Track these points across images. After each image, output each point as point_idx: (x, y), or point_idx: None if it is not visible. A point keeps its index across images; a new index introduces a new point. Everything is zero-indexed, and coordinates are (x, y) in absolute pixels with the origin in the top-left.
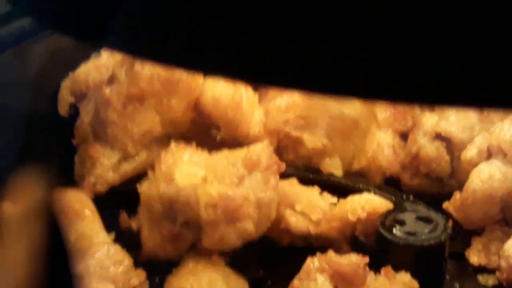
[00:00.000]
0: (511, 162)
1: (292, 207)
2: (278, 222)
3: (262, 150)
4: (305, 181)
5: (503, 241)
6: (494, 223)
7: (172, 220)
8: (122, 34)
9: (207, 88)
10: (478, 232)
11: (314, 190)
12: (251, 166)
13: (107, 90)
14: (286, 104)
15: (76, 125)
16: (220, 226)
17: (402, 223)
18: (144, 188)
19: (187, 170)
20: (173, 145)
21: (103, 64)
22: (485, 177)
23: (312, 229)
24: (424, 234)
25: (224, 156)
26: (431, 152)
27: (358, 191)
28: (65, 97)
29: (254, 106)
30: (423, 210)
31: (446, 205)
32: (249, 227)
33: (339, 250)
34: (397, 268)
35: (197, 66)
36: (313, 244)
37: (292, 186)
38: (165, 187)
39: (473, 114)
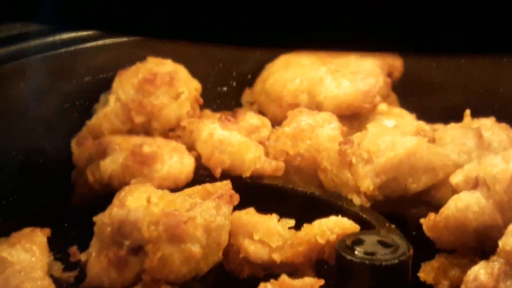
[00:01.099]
0: (493, 196)
1: (251, 236)
2: (237, 252)
3: (222, 184)
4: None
5: (464, 268)
6: (467, 249)
7: (120, 244)
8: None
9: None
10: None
11: (272, 218)
12: (205, 196)
13: None
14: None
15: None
16: (162, 246)
17: (361, 244)
18: (99, 217)
19: (140, 196)
20: (132, 181)
21: (110, 111)
22: (461, 206)
23: (276, 257)
24: (382, 255)
25: (183, 192)
26: None
27: (340, 210)
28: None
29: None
30: (387, 235)
31: (422, 220)
32: (195, 250)
33: (302, 276)
34: None
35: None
36: (275, 273)
37: (249, 215)
38: (116, 210)
39: (471, 140)
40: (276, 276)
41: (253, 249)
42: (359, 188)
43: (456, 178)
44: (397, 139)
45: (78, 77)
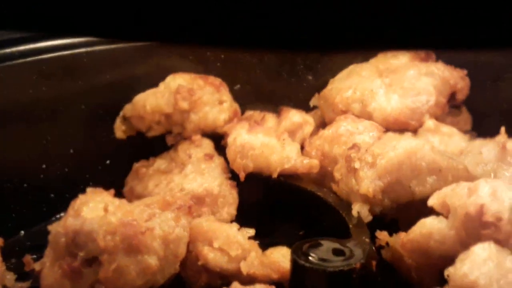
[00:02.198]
0: (456, 227)
1: (210, 243)
2: (195, 259)
3: (182, 195)
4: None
5: None
6: (431, 279)
7: (74, 255)
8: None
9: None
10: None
11: (232, 226)
12: (164, 207)
13: None
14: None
15: None
16: (118, 256)
17: (316, 250)
18: (53, 226)
19: (96, 206)
20: (88, 190)
21: (159, 91)
22: (425, 232)
23: (244, 269)
24: (334, 262)
25: (142, 202)
26: None
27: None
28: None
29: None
30: (344, 244)
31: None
32: (152, 262)
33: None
34: None
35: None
36: (231, 282)
37: (209, 222)
38: (71, 220)
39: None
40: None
41: (212, 257)
42: (364, 195)
43: (431, 201)
44: (401, 141)
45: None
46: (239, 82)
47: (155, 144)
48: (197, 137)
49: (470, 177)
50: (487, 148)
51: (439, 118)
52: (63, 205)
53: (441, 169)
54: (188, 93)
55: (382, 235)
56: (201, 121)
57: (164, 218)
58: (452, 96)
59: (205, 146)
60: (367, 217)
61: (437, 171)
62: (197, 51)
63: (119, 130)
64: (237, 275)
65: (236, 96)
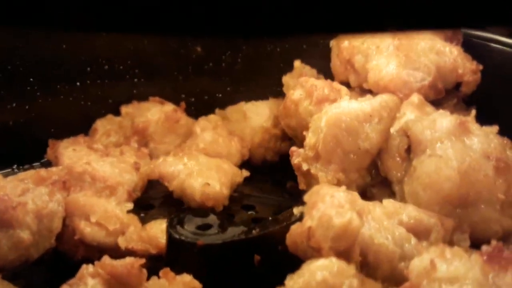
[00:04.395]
0: None
1: (87, 218)
2: (72, 234)
3: (57, 170)
4: None
5: None
6: None
7: None
8: None
9: None
10: None
11: (110, 201)
12: (38, 181)
13: None
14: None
15: None
16: None
17: (190, 223)
18: None
19: None
20: None
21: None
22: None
23: (122, 243)
24: (207, 235)
25: (16, 177)
26: None
27: None
28: None
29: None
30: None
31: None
32: (24, 236)
33: None
34: (185, 268)
35: None
36: (112, 256)
37: (86, 197)
38: None
39: None
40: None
41: (89, 231)
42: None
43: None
44: (322, 118)
45: None
46: None
47: None
48: None
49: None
50: (445, 119)
51: (433, 102)
52: None
53: (371, 114)
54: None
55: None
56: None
57: (38, 193)
58: (456, 86)
59: None
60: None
61: (368, 118)
62: None
63: None
64: (115, 249)
65: None
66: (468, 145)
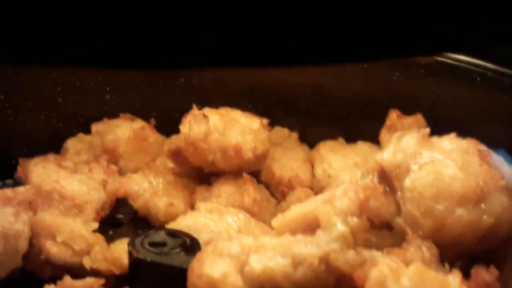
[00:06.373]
0: None
1: (53, 238)
2: (38, 253)
3: (24, 190)
4: None
5: None
6: None
7: None
8: None
9: None
10: None
11: (77, 220)
12: (4, 202)
13: None
14: None
15: None
16: None
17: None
18: None
19: None
20: None
21: None
22: None
23: (87, 263)
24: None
25: None
26: None
27: None
28: None
29: None
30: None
31: None
32: None
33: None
34: None
35: None
36: (79, 276)
37: (53, 217)
38: None
39: None
40: (78, 277)
41: (55, 251)
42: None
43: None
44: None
45: None
46: None
47: None
48: None
49: None
50: (406, 137)
51: None
52: None
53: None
54: None
55: None
56: None
57: (3, 213)
58: None
59: None
60: None
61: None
62: None
63: None
64: (82, 269)
65: None
66: (442, 148)
